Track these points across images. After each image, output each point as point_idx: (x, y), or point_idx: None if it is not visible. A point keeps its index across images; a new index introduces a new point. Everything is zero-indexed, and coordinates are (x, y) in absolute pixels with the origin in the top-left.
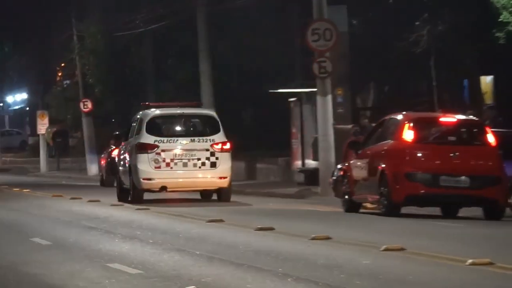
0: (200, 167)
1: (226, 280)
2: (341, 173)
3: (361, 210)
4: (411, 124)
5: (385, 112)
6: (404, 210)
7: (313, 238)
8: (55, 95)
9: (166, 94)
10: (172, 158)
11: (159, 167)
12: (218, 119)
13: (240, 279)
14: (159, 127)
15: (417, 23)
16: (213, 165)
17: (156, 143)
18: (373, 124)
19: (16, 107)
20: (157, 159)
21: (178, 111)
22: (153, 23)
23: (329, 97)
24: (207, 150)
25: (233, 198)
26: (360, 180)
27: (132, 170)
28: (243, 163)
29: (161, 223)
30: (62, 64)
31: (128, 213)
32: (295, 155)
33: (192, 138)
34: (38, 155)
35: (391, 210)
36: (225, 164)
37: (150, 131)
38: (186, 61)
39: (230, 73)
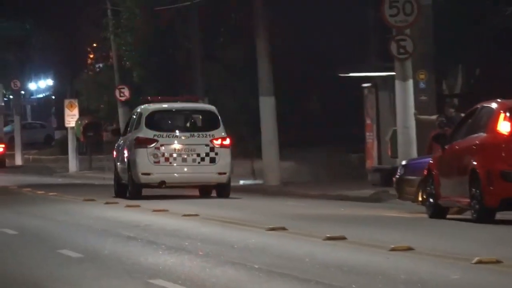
0: (199, 163)
1: None
2: (425, 172)
3: (449, 216)
4: (508, 114)
5: (476, 99)
6: (500, 215)
7: (393, 249)
8: (86, 81)
9: (215, 78)
10: (171, 153)
11: (158, 162)
12: (218, 114)
13: None
14: (158, 122)
15: None
16: (213, 160)
17: (156, 137)
18: (462, 114)
19: (40, 95)
20: (156, 154)
21: (178, 106)
22: None
23: (410, 82)
24: (207, 145)
25: (297, 201)
26: (447, 181)
27: (131, 164)
28: (308, 160)
29: (213, 232)
30: (94, 45)
31: (173, 220)
32: (370, 151)
33: (192, 133)
34: (66, 151)
35: (483, 215)
36: (224, 160)
37: (150, 125)
38: (238, 41)
39: (291, 54)
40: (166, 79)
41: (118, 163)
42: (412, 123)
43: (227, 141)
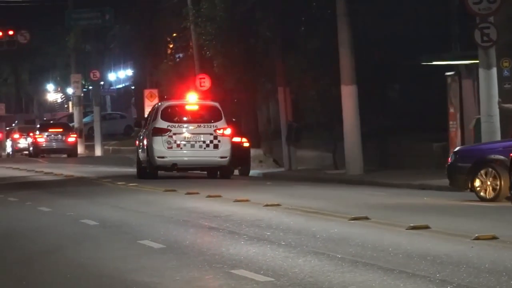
0: (204, 148)
1: None
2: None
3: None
4: None
5: None
6: None
7: (476, 238)
8: (166, 70)
9: (296, 67)
10: (181, 140)
11: (171, 148)
12: (220, 109)
13: (390, 286)
14: (171, 115)
15: None
16: (216, 146)
17: (169, 127)
18: None
19: (120, 86)
20: (169, 141)
21: (187, 102)
22: None
23: (494, 70)
24: (211, 134)
25: (379, 191)
26: None
27: (149, 150)
28: (390, 149)
29: (294, 222)
30: (174, 34)
31: (255, 210)
32: (453, 140)
33: (199, 124)
34: None
35: None
36: (225, 146)
37: (164, 118)
38: (320, 29)
39: (373, 42)
40: (246, 68)
41: (139, 150)
42: (496, 112)
43: (228, 131)
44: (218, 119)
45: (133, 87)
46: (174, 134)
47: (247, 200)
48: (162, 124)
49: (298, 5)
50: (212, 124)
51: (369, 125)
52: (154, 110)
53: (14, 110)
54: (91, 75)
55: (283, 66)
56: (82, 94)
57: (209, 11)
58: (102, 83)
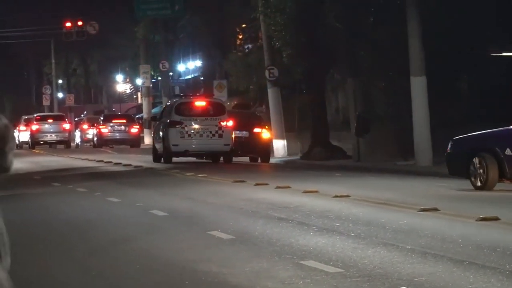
0: (211, 138)
1: (443, 279)
2: None
3: None
4: None
5: None
6: None
7: None
8: (235, 62)
9: (364, 58)
10: (192, 131)
11: (183, 137)
12: (224, 105)
13: (460, 278)
14: (183, 110)
15: None
16: (220, 136)
17: (181, 121)
18: None
19: (189, 76)
20: (182, 132)
21: (196, 99)
22: None
23: None
24: (216, 126)
25: (448, 182)
26: None
27: (165, 139)
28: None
29: (364, 213)
30: (243, 25)
31: (323, 201)
32: None
33: (206, 117)
34: None
35: None
36: (228, 136)
37: (178, 112)
38: (389, 19)
39: (442, 33)
40: (314, 59)
41: (156, 140)
42: None
43: (230, 123)
44: (221, 113)
45: (202, 78)
46: (186, 126)
47: (316, 191)
48: (176, 118)
49: None
50: (216, 118)
51: (438, 116)
52: (169, 106)
53: (83, 101)
54: (160, 65)
55: (352, 57)
56: (151, 85)
57: (279, 1)
58: (171, 73)
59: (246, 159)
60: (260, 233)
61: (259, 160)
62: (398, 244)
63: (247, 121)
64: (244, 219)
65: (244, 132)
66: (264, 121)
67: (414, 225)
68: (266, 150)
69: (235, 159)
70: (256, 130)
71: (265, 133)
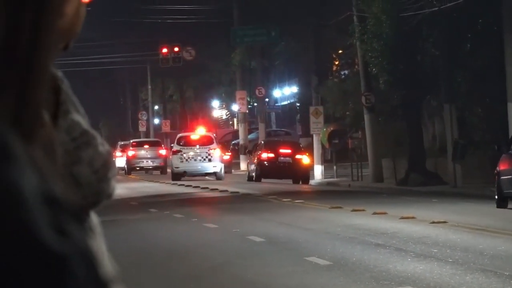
0: (203, 161)
1: None
2: None
3: None
4: None
5: None
6: None
7: None
8: (331, 87)
9: (462, 85)
10: (189, 156)
11: (182, 161)
12: (212, 136)
13: None
14: (182, 141)
15: None
16: (210, 160)
17: (180, 149)
18: None
19: (285, 102)
20: (181, 157)
21: (192, 133)
22: (448, 1)
23: None
24: (206, 152)
25: None
26: None
27: (171, 163)
28: None
29: (461, 239)
30: (340, 51)
31: (421, 227)
32: None
33: (199, 146)
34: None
35: None
36: (216, 160)
37: (178, 143)
38: (487, 46)
39: None
40: (411, 85)
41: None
42: None
43: (218, 151)
44: (211, 143)
45: (298, 104)
46: (184, 153)
47: (413, 217)
48: (177, 147)
49: (463, 22)
50: (207, 147)
51: None
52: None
53: (179, 127)
54: (256, 91)
55: (449, 83)
56: (247, 111)
57: (375, 28)
58: (267, 99)
59: (289, 181)
60: (357, 259)
61: (300, 183)
62: (496, 271)
63: (290, 148)
64: (341, 245)
65: (287, 158)
66: (303, 149)
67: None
68: (306, 174)
69: (278, 181)
70: (298, 156)
71: (305, 159)
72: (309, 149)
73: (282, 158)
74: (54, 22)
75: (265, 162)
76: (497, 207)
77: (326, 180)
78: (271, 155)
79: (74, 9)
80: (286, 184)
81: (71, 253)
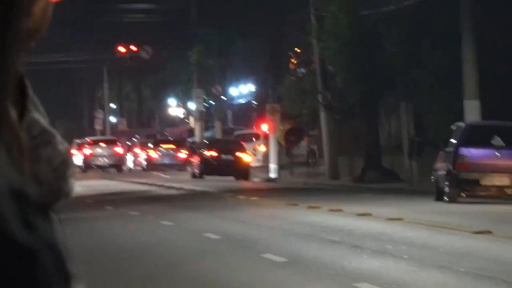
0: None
1: None
2: None
3: None
4: None
5: None
6: None
7: None
8: (288, 86)
9: (420, 83)
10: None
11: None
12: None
13: None
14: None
15: None
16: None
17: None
18: None
19: (241, 100)
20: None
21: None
22: (406, 0)
23: None
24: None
25: (501, 205)
26: None
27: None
28: None
29: (416, 236)
30: (296, 50)
31: (376, 224)
32: None
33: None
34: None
35: None
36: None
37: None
38: (445, 45)
39: (498, 57)
40: (369, 83)
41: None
42: None
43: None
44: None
45: (254, 102)
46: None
47: (369, 214)
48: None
49: (421, 21)
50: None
51: None
52: None
53: (135, 125)
54: (213, 90)
55: (406, 81)
56: (204, 109)
57: (333, 26)
58: (224, 98)
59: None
60: (313, 256)
61: (239, 179)
62: (452, 267)
63: (232, 147)
64: (297, 242)
65: (229, 156)
66: (244, 147)
67: (468, 247)
68: (246, 171)
69: (218, 178)
70: (239, 154)
71: (245, 157)
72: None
73: (224, 156)
74: (22, 21)
75: (208, 160)
76: (436, 200)
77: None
78: (214, 153)
79: (42, 9)
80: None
81: (39, 245)
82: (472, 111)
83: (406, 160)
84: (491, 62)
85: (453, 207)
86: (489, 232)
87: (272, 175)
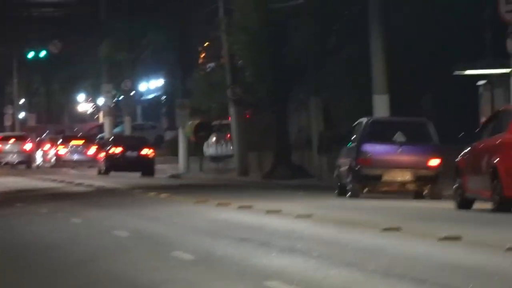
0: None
1: None
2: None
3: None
4: None
5: None
6: None
7: (509, 249)
8: (198, 80)
9: (329, 76)
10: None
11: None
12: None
13: None
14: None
15: None
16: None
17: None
18: None
19: (151, 95)
20: None
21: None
22: None
23: None
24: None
25: (409, 201)
26: (473, 176)
27: None
28: None
29: (326, 233)
30: (206, 44)
31: (286, 221)
32: None
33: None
34: (176, 152)
35: (503, 205)
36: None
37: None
38: (354, 38)
39: (406, 51)
40: (278, 78)
41: None
42: None
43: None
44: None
45: (164, 97)
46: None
47: (278, 211)
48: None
49: (330, 14)
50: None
51: None
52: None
53: (45, 121)
54: (122, 85)
55: (315, 75)
56: (113, 104)
57: (241, 20)
58: (133, 93)
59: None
60: (222, 253)
61: (145, 175)
62: (361, 264)
63: (136, 143)
64: (206, 240)
65: (134, 152)
66: (149, 144)
67: (377, 245)
68: (151, 167)
69: (124, 174)
70: (144, 151)
71: (150, 153)
72: (174, 143)
73: (129, 152)
74: None
75: (113, 156)
76: (338, 195)
77: (191, 173)
78: (119, 149)
79: None
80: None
81: None
82: (381, 105)
83: (316, 155)
84: (401, 56)
85: (359, 203)
86: (397, 229)
87: (180, 171)
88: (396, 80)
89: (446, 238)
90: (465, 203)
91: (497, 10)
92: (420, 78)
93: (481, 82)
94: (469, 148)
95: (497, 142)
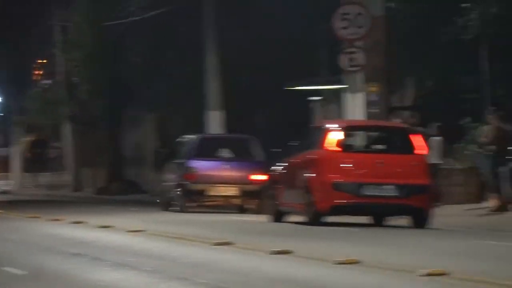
0: None
1: None
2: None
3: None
4: (334, 133)
5: (426, 111)
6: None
7: (340, 263)
8: (34, 97)
9: (163, 94)
10: None
11: None
12: None
13: None
14: None
15: (466, 4)
16: None
17: None
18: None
19: None
20: None
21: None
22: (150, 10)
23: (360, 95)
24: None
25: (240, 215)
26: (288, 190)
27: None
28: None
29: (158, 247)
30: (41, 61)
31: (119, 236)
32: None
33: None
34: (8, 169)
35: (315, 219)
36: None
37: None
38: (189, 55)
39: (241, 68)
40: (112, 94)
41: None
42: None
43: None
44: None
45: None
46: None
47: (111, 226)
48: None
49: (165, 32)
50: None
51: None
52: None
53: None
54: None
55: (149, 92)
56: None
57: (78, 37)
58: None
59: None
60: (55, 268)
61: None
62: (191, 278)
63: None
64: (38, 255)
65: None
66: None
67: (208, 259)
68: None
69: None
70: None
71: None
72: (6, 160)
73: None
74: None
75: None
76: (163, 210)
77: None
78: None
79: None
80: None
81: None
82: (214, 121)
83: (150, 171)
84: (236, 73)
85: (189, 217)
86: (228, 243)
87: (8, 187)
88: (232, 96)
89: (278, 252)
90: (279, 217)
91: (332, 26)
92: (255, 94)
93: (313, 98)
94: (284, 163)
95: (310, 157)
